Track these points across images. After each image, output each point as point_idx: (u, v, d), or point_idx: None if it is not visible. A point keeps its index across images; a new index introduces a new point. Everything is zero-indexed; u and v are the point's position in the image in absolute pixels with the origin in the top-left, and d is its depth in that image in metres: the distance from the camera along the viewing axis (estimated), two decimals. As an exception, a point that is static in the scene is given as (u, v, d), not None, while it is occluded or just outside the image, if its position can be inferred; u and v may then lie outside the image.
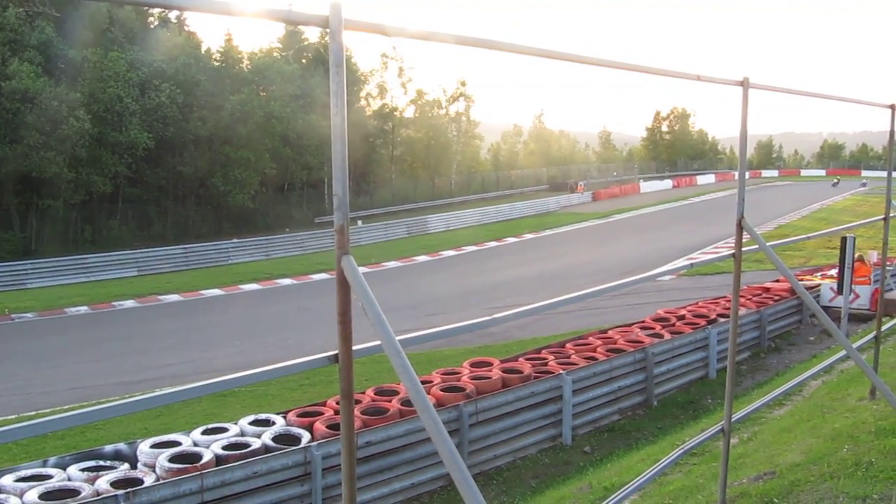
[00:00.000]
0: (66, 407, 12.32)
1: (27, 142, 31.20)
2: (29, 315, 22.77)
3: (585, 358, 11.79)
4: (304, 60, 47.36)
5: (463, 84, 58.02)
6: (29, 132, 31.16)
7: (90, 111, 33.63)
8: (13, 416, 12.23)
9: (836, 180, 61.34)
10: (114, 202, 36.81)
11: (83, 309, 23.37)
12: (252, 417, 9.34)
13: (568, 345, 12.85)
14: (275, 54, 47.07)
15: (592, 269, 24.91)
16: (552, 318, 17.14)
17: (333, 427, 8.74)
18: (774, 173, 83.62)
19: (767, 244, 3.97)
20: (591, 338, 13.22)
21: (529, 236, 37.70)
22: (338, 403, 9.26)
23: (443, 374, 10.89)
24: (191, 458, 8.04)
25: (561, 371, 10.88)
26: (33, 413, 12.38)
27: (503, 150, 72.76)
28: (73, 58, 34.05)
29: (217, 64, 42.08)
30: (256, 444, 8.42)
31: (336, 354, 2.10)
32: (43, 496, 7.18)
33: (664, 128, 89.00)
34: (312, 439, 8.61)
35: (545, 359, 11.84)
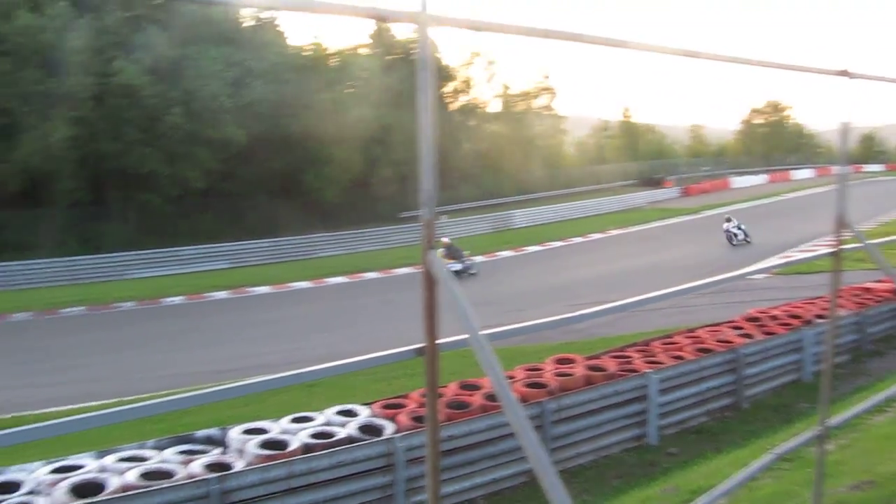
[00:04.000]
0: (163, 392, 12.84)
1: (127, 138, 32.75)
2: (129, 304, 23.89)
3: (672, 357, 11.55)
4: (391, 57, 47.86)
5: (547, 78, 57.50)
6: (129, 129, 32.71)
7: (187, 108, 34.95)
8: (114, 400, 12.83)
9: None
10: (208, 197, 38.14)
11: (179, 299, 24.33)
12: (338, 408, 9.54)
13: (654, 343, 12.61)
14: (361, 51, 47.73)
15: (681, 266, 24.32)
16: (637, 315, 16.84)
17: (417, 419, 8.84)
18: (879, 167, 79.40)
19: (870, 242, 3.79)
20: (678, 336, 12.93)
21: (616, 232, 37.11)
22: (422, 396, 9.36)
23: (526, 370, 10.86)
24: (279, 445, 8.28)
25: (647, 370, 10.69)
26: (133, 397, 12.97)
27: (589, 145, 71.77)
28: (174, 57, 35.46)
29: (306, 62, 42.97)
30: (342, 433, 8.60)
31: (422, 347, 2.12)
32: (142, 476, 7.54)
33: (759, 121, 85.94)
34: (396, 431, 8.73)
35: (630, 357, 11.65)
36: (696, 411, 11.18)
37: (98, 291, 25.56)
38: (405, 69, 43.83)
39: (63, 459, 8.11)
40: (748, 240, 29.30)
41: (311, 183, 39.50)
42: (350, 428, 8.79)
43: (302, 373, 2.10)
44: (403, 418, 9.00)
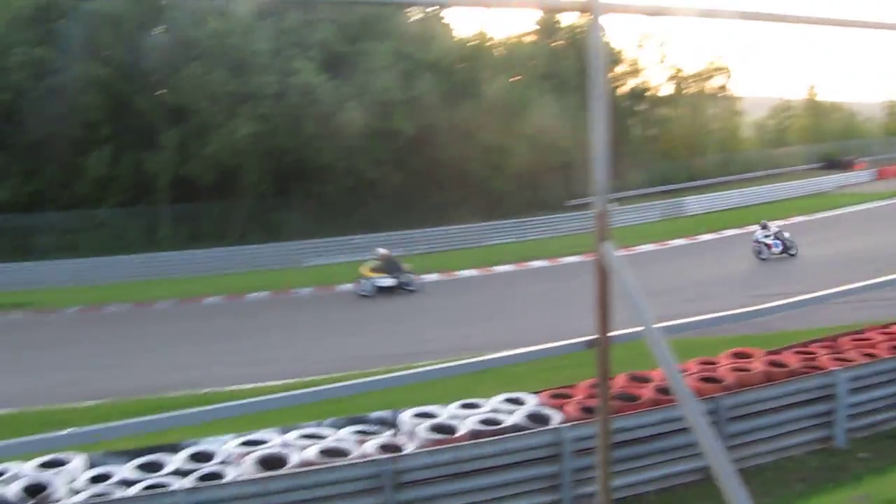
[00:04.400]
0: (338, 375, 13.49)
1: (305, 133, 34.75)
2: (307, 290, 25.34)
3: (864, 354, 10.68)
4: (558, 43, 47.37)
5: (721, 58, 54.73)
6: (307, 124, 34.67)
7: (360, 102, 36.46)
8: (294, 381, 13.64)
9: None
10: (379, 187, 39.58)
11: (352, 286, 25.47)
12: (505, 395, 9.63)
13: (842, 339, 11.71)
14: (526, 39, 47.57)
15: (873, 256, 22.41)
16: (823, 308, 15.67)
17: (585, 410, 8.76)
18: None
19: None
20: (870, 332, 11.92)
21: (799, 219, 34.69)
22: (590, 387, 9.26)
23: (700, 364, 10.46)
24: (448, 429, 8.49)
25: (834, 367, 9.96)
26: (309, 379, 13.73)
27: (769, 127, 67.50)
28: (347, 53, 37.10)
29: (472, 52, 43.45)
30: (509, 421, 8.69)
31: (593, 339, 2.10)
32: (321, 453, 8.02)
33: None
34: (564, 421, 8.69)
35: (815, 353, 10.90)
36: (891, 414, 10.28)
37: (279, 278, 27.27)
38: (571, 55, 43.29)
39: (251, 433, 8.78)
40: (790, 252, 23.60)
41: (478, 171, 40.01)
42: (517, 416, 8.86)
43: (474, 362, 2.14)
44: (571, 408, 8.94)
